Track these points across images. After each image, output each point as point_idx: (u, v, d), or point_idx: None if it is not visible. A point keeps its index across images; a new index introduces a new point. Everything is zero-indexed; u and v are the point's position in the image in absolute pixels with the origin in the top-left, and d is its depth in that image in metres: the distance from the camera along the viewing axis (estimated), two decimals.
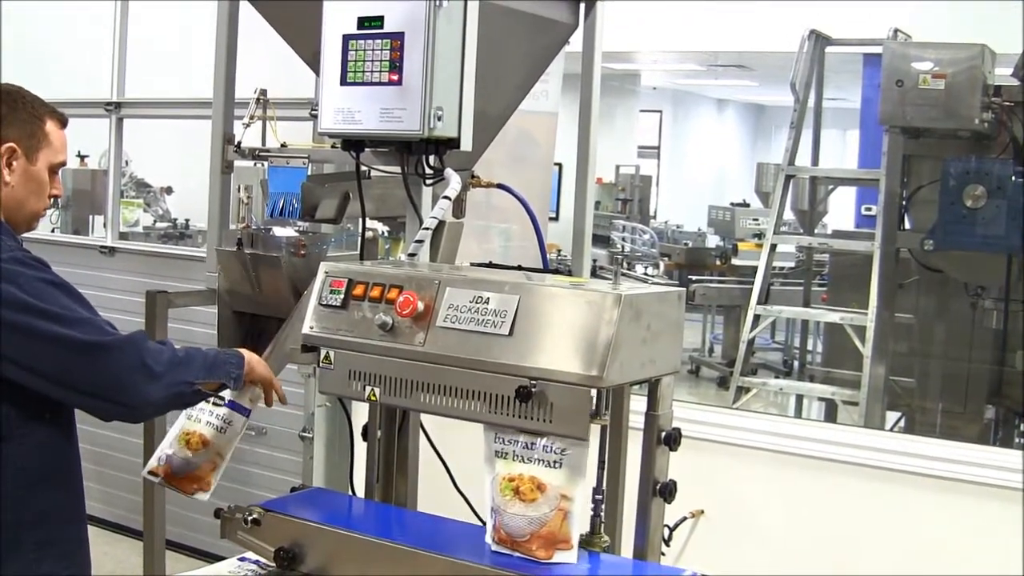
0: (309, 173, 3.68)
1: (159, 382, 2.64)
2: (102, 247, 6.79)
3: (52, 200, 2.89)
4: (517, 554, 2.38)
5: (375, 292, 2.53)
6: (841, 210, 9.83)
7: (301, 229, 3.67)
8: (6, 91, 2.79)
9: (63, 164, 2.88)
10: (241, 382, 2.85)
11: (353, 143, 2.95)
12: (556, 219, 8.53)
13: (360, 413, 3.31)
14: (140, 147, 7.73)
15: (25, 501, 2.68)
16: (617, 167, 15.90)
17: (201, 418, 3.03)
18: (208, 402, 2.98)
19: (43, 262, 2.67)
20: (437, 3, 2.73)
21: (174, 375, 2.68)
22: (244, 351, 2.93)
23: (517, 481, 2.36)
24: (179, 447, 3.03)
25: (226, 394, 2.94)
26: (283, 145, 3.63)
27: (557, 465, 2.33)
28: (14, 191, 2.75)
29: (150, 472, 3.08)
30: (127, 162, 7.68)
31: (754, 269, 8.06)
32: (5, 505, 2.64)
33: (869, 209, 7.84)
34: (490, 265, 2.95)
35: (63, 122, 2.86)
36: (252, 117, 3.69)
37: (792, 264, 10.64)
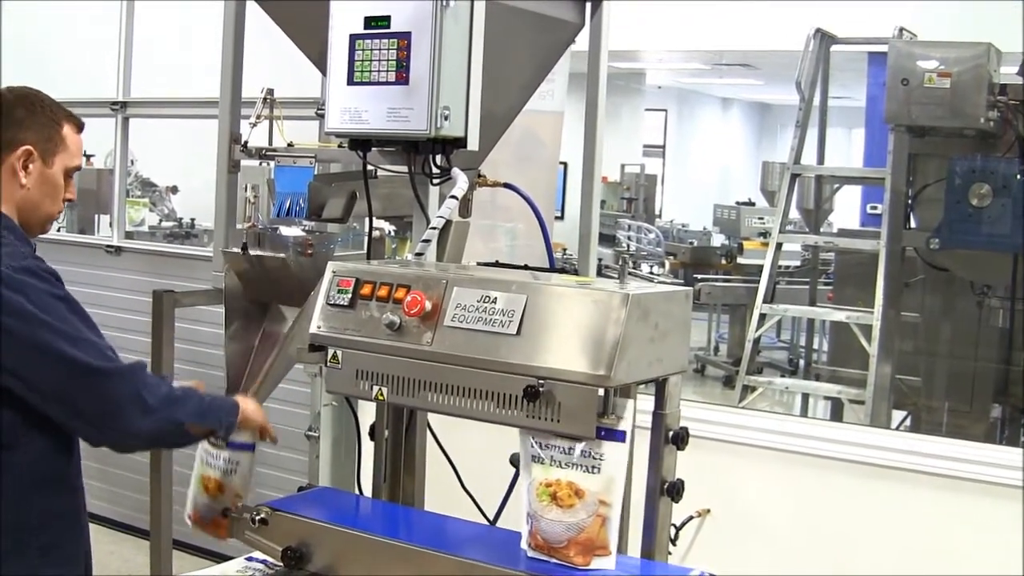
0: (316, 173, 3.68)
1: (151, 416, 2.63)
2: (108, 246, 6.80)
3: (66, 203, 2.89)
4: (554, 560, 2.36)
5: (383, 292, 2.52)
6: (846, 209, 9.82)
7: (308, 228, 3.68)
8: (24, 94, 2.80)
9: (78, 168, 2.89)
10: (233, 430, 2.84)
11: (360, 143, 2.95)
12: (561, 218, 8.55)
13: (367, 412, 3.31)
14: (145, 146, 7.74)
15: (29, 505, 2.68)
16: (622, 166, 15.92)
17: (211, 462, 2.99)
18: (211, 444, 2.95)
19: (55, 274, 2.66)
20: (444, 3, 2.73)
21: (167, 412, 2.67)
22: (240, 398, 2.92)
23: (555, 487, 2.34)
24: (199, 492, 3.01)
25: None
26: (290, 145, 3.63)
27: (595, 471, 2.31)
28: (30, 193, 2.75)
29: (188, 517, 3.06)
30: (132, 161, 7.69)
31: (759, 268, 8.06)
32: (9, 509, 2.64)
33: (875, 208, 7.84)
34: (497, 264, 2.95)
35: (79, 126, 2.87)
36: (259, 117, 3.70)
37: (798, 263, 10.65)
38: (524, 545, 2.41)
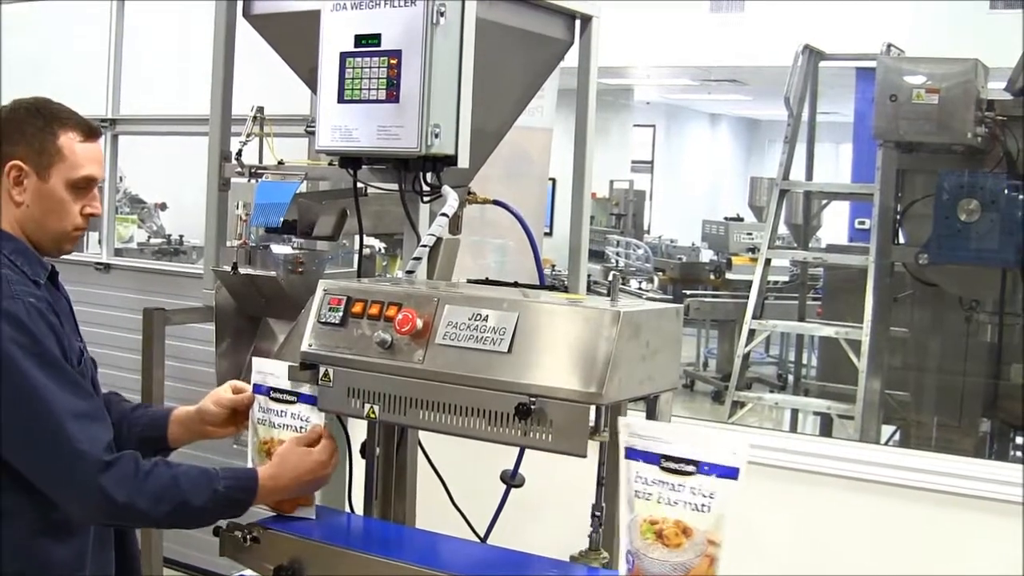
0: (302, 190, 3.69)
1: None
2: (97, 263, 6.78)
3: (87, 219, 2.72)
4: None
5: (374, 310, 2.52)
6: (835, 224, 9.86)
7: (298, 246, 3.68)
8: (17, 106, 2.69)
9: (91, 179, 2.69)
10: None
11: (350, 160, 2.95)
12: (550, 234, 8.56)
13: (358, 429, 3.30)
14: (133, 163, 7.72)
15: (29, 553, 2.60)
16: (611, 182, 15.95)
17: (275, 422, 2.77)
18: (273, 399, 2.75)
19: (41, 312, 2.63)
20: (434, 21, 2.74)
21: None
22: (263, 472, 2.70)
23: (660, 524, 2.22)
24: (260, 460, 2.80)
25: (297, 387, 2.72)
26: (280, 162, 3.63)
27: (705, 509, 2.20)
28: (29, 211, 2.64)
29: None
30: (121, 178, 7.67)
31: (748, 283, 8.08)
32: (9, 556, 2.57)
33: (863, 223, 7.88)
34: (487, 282, 2.95)
35: (88, 134, 2.70)
36: (249, 134, 3.70)
37: (786, 278, 10.67)
38: None
